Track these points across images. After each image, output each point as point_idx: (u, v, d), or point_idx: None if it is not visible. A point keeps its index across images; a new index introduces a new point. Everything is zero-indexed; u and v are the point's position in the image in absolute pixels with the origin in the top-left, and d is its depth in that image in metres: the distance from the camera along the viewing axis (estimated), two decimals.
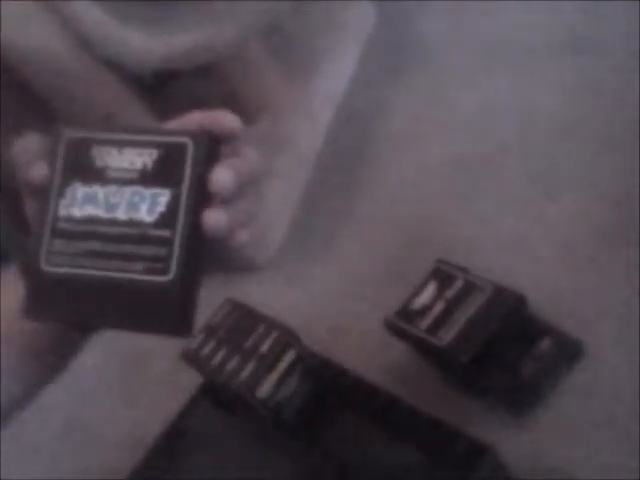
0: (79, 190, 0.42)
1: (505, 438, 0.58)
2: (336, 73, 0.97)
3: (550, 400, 0.60)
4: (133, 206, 0.41)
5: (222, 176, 0.41)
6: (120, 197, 0.42)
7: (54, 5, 0.84)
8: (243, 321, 0.67)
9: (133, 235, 0.41)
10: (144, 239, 0.41)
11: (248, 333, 0.65)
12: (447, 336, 0.58)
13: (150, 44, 0.83)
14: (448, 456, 0.56)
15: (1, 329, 0.45)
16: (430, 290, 0.62)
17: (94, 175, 0.42)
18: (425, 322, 0.60)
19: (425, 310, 0.61)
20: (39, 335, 0.45)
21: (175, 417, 0.74)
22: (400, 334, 0.62)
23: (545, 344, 0.60)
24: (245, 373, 0.64)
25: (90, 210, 0.42)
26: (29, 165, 0.43)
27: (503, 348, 0.59)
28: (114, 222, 0.42)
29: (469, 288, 0.60)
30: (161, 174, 0.41)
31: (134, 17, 0.85)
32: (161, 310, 0.41)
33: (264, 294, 0.78)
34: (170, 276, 0.40)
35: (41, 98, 0.84)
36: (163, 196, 0.41)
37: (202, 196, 0.41)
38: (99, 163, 0.42)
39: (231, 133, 0.42)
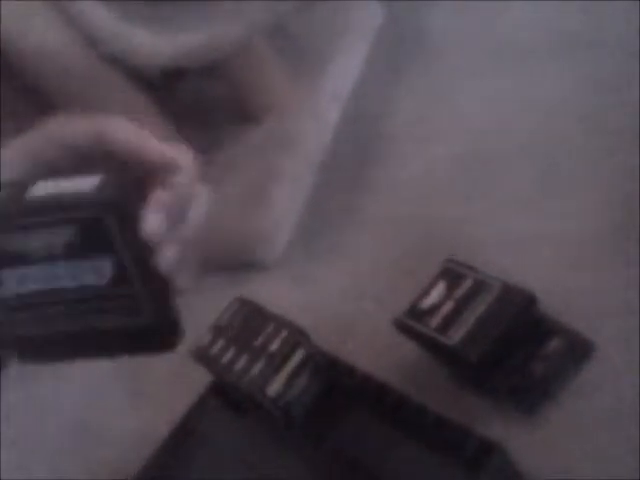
0: (9, 275, 0.40)
1: (514, 437, 0.58)
2: (343, 73, 0.97)
3: (560, 399, 0.60)
4: (77, 276, 0.39)
5: (151, 222, 0.40)
6: (58, 271, 0.39)
7: (60, 4, 0.84)
8: (252, 320, 0.67)
9: (90, 296, 0.40)
10: (103, 298, 0.40)
11: (257, 332, 0.65)
12: (457, 335, 0.58)
13: (157, 43, 0.83)
14: (458, 455, 0.56)
15: None
16: (439, 289, 0.62)
17: (17, 260, 0.40)
18: (435, 321, 0.60)
19: (434, 309, 0.61)
20: None
21: (184, 416, 0.74)
22: (410, 333, 0.62)
23: (555, 343, 0.60)
24: (254, 372, 0.64)
25: (32, 286, 0.40)
26: None
27: (512, 347, 0.59)
28: (63, 290, 0.40)
29: (478, 287, 0.60)
30: (91, 244, 0.39)
31: (140, 16, 0.86)
32: (145, 338, 0.40)
33: (272, 293, 0.78)
34: (144, 317, 0.40)
35: (46, 100, 0.84)
36: (104, 262, 0.39)
37: (143, 247, 0.40)
38: (16, 248, 0.39)
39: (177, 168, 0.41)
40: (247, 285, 0.81)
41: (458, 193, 0.83)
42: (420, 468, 0.58)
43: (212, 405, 0.72)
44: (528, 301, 0.59)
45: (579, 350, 0.60)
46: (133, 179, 0.41)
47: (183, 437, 0.73)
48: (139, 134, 0.43)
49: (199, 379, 0.72)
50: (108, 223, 0.39)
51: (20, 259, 0.40)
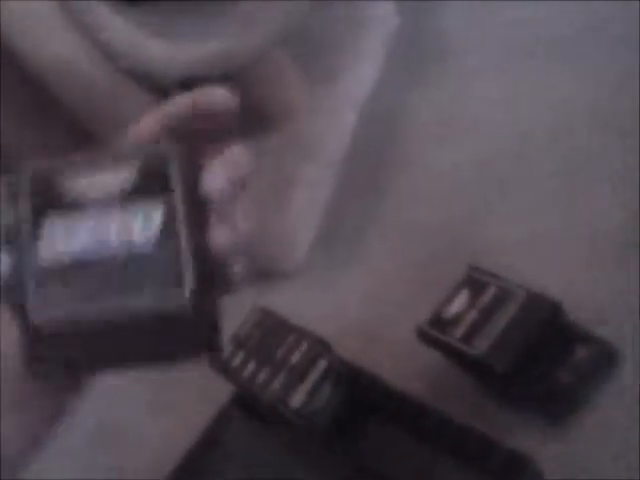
0: (58, 226, 0.37)
1: (542, 448, 0.57)
2: (360, 76, 0.96)
3: (588, 408, 0.59)
4: (124, 229, 0.37)
5: (213, 178, 0.38)
6: (107, 223, 0.37)
7: (76, 16, 0.84)
8: (272, 331, 0.67)
9: (133, 260, 0.37)
10: (146, 261, 0.37)
11: (278, 344, 0.65)
12: (482, 345, 0.57)
13: (173, 53, 0.83)
14: (486, 467, 0.56)
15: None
16: (463, 298, 0.61)
17: (71, 206, 0.37)
18: (459, 331, 0.59)
19: (458, 318, 0.60)
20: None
21: (207, 427, 0.73)
22: (433, 343, 0.62)
23: (581, 351, 0.59)
24: (276, 384, 0.63)
25: (76, 244, 0.37)
26: None
27: (538, 356, 0.58)
28: (107, 250, 0.37)
29: (502, 295, 0.59)
30: (147, 190, 0.37)
31: (156, 26, 0.85)
32: (182, 333, 0.36)
33: (292, 301, 0.78)
34: (185, 294, 0.36)
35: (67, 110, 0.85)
36: (156, 210, 0.37)
37: (198, 204, 0.38)
38: (74, 193, 0.38)
39: (225, 109, 0.39)
40: (267, 293, 0.80)
41: (479, 196, 0.82)
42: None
43: (235, 416, 0.72)
44: (554, 309, 0.58)
45: (607, 358, 0.59)
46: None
47: (206, 448, 0.73)
48: None
49: (220, 390, 0.72)
50: (168, 159, 0.37)
51: (73, 207, 0.37)
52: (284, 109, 0.94)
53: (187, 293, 0.36)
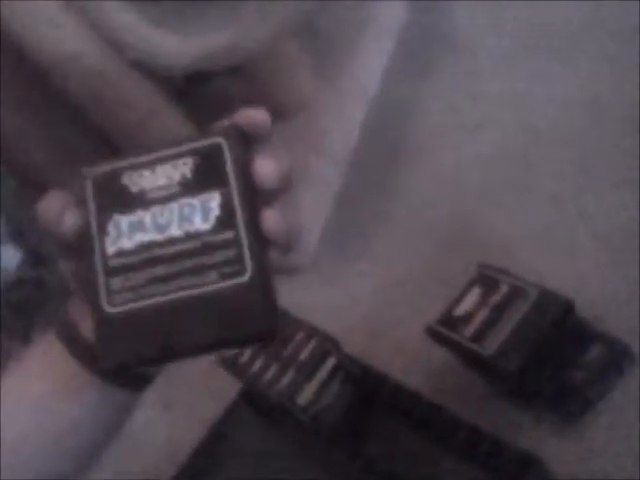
0: (122, 222, 0.40)
1: (553, 448, 0.57)
2: (368, 70, 0.95)
3: (600, 408, 0.58)
4: (185, 219, 0.39)
5: (265, 165, 0.40)
6: (169, 215, 0.40)
7: (84, 8, 0.83)
8: (281, 328, 0.66)
9: (195, 247, 0.39)
10: (208, 247, 0.39)
11: (286, 341, 0.64)
12: (493, 345, 0.56)
13: (181, 45, 0.82)
14: (494, 467, 0.55)
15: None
16: (474, 296, 0.60)
17: (133, 202, 0.40)
18: (469, 329, 0.58)
19: (469, 317, 0.59)
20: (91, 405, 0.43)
21: (215, 423, 0.73)
22: (443, 342, 0.61)
23: (594, 350, 0.58)
24: (284, 382, 0.63)
25: (140, 237, 0.40)
26: (58, 220, 0.40)
27: (550, 355, 0.57)
28: (170, 241, 0.39)
29: (514, 293, 0.59)
30: (203, 179, 0.40)
31: (164, 19, 0.85)
32: (247, 313, 0.38)
33: (302, 298, 0.77)
34: (248, 274, 0.38)
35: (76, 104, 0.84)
36: (213, 200, 0.40)
37: (251, 191, 0.40)
38: (134, 189, 0.40)
39: (263, 128, 0.41)
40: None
41: (489, 194, 0.81)
42: (454, 476, 0.56)
43: (243, 413, 0.71)
44: (566, 308, 0.57)
45: (620, 358, 0.58)
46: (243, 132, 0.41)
47: (214, 444, 0.72)
48: None
49: (229, 387, 0.72)
50: (223, 149, 0.39)
51: (135, 203, 0.40)
52: (293, 102, 0.93)
53: (248, 275, 0.38)
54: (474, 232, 0.77)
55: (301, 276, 0.82)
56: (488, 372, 0.60)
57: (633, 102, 0.79)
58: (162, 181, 0.40)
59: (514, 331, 0.56)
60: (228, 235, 0.39)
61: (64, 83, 0.84)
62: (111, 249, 0.40)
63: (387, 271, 0.79)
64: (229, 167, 0.40)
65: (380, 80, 0.95)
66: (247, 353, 0.67)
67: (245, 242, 0.38)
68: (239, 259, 0.38)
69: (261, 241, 0.39)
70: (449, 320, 0.60)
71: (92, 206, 0.41)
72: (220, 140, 0.40)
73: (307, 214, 0.85)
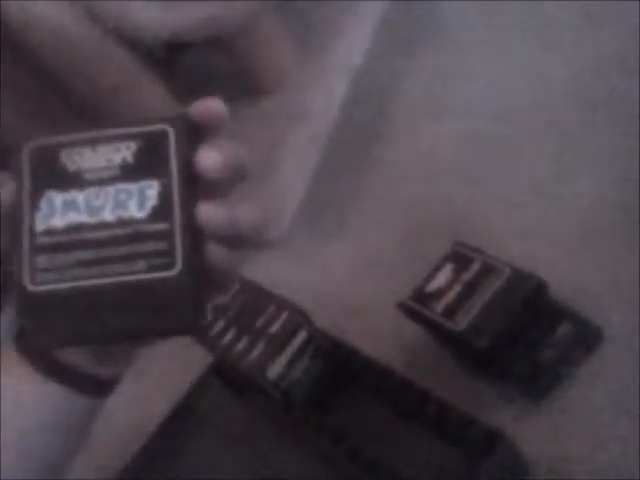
0: (55, 199, 0.39)
1: (521, 425, 0.57)
2: (351, 46, 0.95)
3: (567, 386, 0.58)
4: (120, 204, 0.39)
5: (208, 156, 0.39)
6: (104, 198, 0.39)
7: None
8: (253, 300, 0.66)
9: (126, 235, 0.38)
10: (140, 236, 0.38)
11: (258, 313, 0.64)
12: (463, 321, 0.57)
13: (160, 16, 0.81)
14: (461, 443, 0.55)
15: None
16: (446, 272, 0.60)
17: (69, 180, 0.39)
18: (441, 305, 0.59)
19: (441, 293, 0.59)
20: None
21: (184, 395, 0.73)
22: (415, 317, 0.61)
23: (563, 329, 0.58)
24: (255, 354, 0.63)
25: (72, 218, 0.39)
26: None
27: (520, 333, 0.58)
28: (102, 226, 0.39)
29: (487, 271, 0.59)
30: (144, 166, 0.39)
31: None
32: (173, 308, 0.38)
33: (275, 272, 0.77)
34: (177, 269, 0.37)
35: (56, 78, 0.83)
36: (151, 188, 0.39)
37: (193, 183, 0.39)
38: (72, 167, 0.39)
39: (218, 120, 0.40)
40: (249, 263, 0.79)
41: (467, 174, 0.81)
42: (422, 455, 0.57)
43: (212, 385, 0.71)
44: (538, 287, 0.58)
45: (588, 337, 0.59)
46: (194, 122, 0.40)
47: (183, 417, 0.72)
48: None
49: (200, 360, 0.71)
50: (168, 137, 0.39)
51: (71, 181, 0.39)
52: (273, 77, 0.93)
53: (177, 270, 0.38)
54: (450, 211, 0.77)
55: (274, 251, 0.82)
56: (459, 348, 0.60)
57: (615, 87, 0.79)
58: (101, 163, 0.39)
59: (485, 308, 0.57)
60: (162, 226, 0.38)
61: (39, 50, 0.83)
62: (40, 226, 0.39)
63: (361, 247, 0.79)
64: (172, 156, 0.39)
65: (362, 57, 0.94)
66: (218, 325, 0.67)
67: (178, 236, 0.38)
68: (170, 252, 0.38)
69: (198, 236, 0.38)
70: (421, 296, 0.61)
71: (26, 179, 0.39)
72: (167, 128, 0.39)
73: (284, 187, 0.85)
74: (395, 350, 0.66)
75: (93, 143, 0.39)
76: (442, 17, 0.97)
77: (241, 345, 0.64)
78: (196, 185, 0.39)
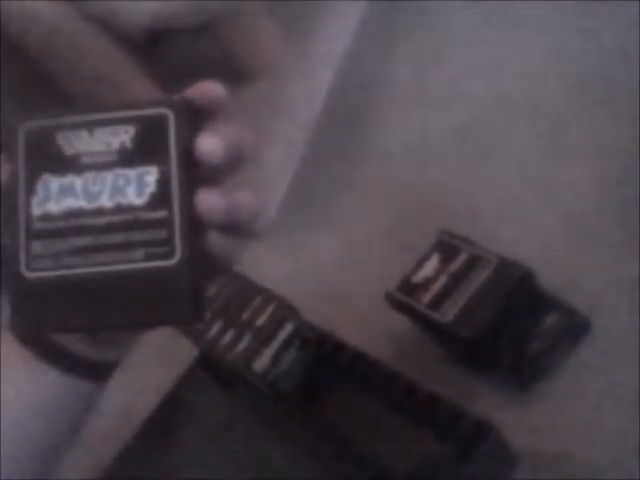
0: (52, 183, 0.38)
1: (509, 415, 0.57)
2: (336, 34, 0.94)
3: (554, 376, 0.58)
4: (118, 190, 0.37)
5: (208, 142, 0.37)
6: (101, 183, 0.38)
7: None
8: (239, 293, 0.65)
9: (125, 222, 0.37)
10: (138, 224, 0.37)
11: (244, 305, 0.64)
12: (450, 312, 0.56)
13: (141, 3, 0.80)
14: (450, 434, 0.55)
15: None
16: (433, 263, 0.60)
17: (66, 164, 0.38)
18: (427, 296, 0.58)
19: (427, 283, 0.59)
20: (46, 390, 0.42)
21: (171, 389, 0.72)
22: (402, 308, 0.61)
23: (551, 319, 0.58)
24: (241, 347, 0.62)
25: (69, 203, 0.37)
26: None
27: (508, 323, 0.57)
28: (100, 211, 0.37)
29: (474, 261, 0.58)
30: (143, 151, 0.38)
31: None
32: (171, 297, 0.37)
33: (261, 263, 0.76)
34: (176, 258, 0.36)
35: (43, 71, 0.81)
36: (150, 174, 0.37)
37: (193, 169, 0.38)
38: (69, 150, 0.38)
39: (217, 103, 0.39)
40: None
41: (456, 162, 0.80)
42: (410, 447, 0.56)
43: (200, 378, 0.71)
44: (525, 277, 0.57)
45: (576, 327, 0.58)
46: (195, 106, 0.39)
47: (170, 410, 0.72)
48: None
49: (186, 353, 0.71)
50: (168, 122, 0.37)
51: (68, 165, 0.38)
52: (259, 65, 0.92)
53: (176, 259, 0.37)
54: (438, 200, 0.77)
55: (260, 240, 0.81)
56: (446, 339, 0.59)
57: (604, 75, 0.78)
58: (99, 147, 0.38)
59: (472, 299, 0.56)
60: (161, 214, 0.37)
61: (21, 37, 0.82)
62: (37, 211, 0.38)
63: (348, 237, 0.79)
64: (172, 142, 0.38)
65: (348, 45, 0.93)
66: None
67: (177, 224, 0.37)
68: (169, 241, 0.37)
69: (197, 224, 0.37)
70: (408, 287, 0.60)
71: (22, 162, 0.38)
72: (167, 111, 0.38)
73: (270, 176, 0.84)
74: (383, 341, 0.65)
75: (90, 126, 0.38)
76: (428, 6, 0.96)
77: (227, 338, 0.63)
78: (196, 171, 0.38)
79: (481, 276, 0.57)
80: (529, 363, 0.57)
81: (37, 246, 0.38)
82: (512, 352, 0.57)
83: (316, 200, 0.84)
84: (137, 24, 0.80)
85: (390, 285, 0.63)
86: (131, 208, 0.37)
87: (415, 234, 0.70)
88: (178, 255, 0.37)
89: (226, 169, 0.39)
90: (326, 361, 0.63)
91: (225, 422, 0.66)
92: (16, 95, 0.83)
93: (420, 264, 0.61)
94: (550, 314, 0.58)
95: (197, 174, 0.38)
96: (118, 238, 0.37)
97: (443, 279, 0.58)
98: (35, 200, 0.38)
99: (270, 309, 0.62)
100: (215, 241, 0.39)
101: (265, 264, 0.77)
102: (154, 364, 0.78)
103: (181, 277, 0.37)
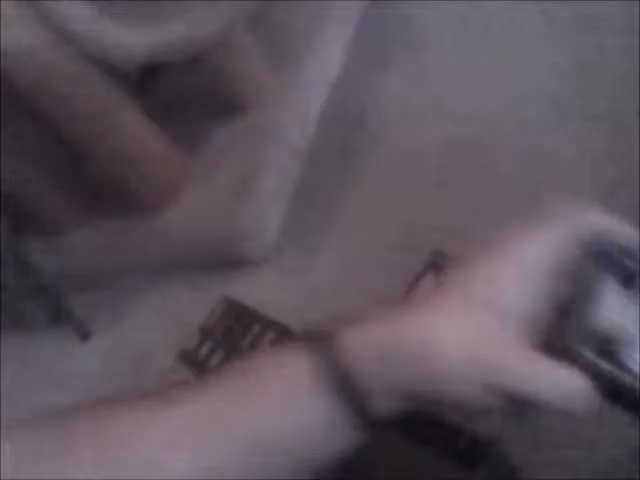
0: (616, 294, 0.35)
1: (506, 429, 0.57)
2: (325, 61, 0.95)
3: None
4: None
5: None
6: None
7: (34, 1, 0.82)
8: (238, 321, 0.66)
9: None
10: None
11: (244, 333, 0.64)
12: None
13: (132, 37, 0.81)
14: (450, 451, 0.55)
15: None
16: (427, 283, 0.61)
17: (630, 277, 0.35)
18: None
19: None
20: None
21: None
22: None
23: None
24: None
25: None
26: None
27: None
28: None
29: None
30: None
31: (115, 10, 0.84)
32: None
33: (260, 291, 0.77)
34: None
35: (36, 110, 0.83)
36: None
37: None
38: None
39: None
40: (234, 283, 0.80)
41: (446, 181, 0.82)
42: (412, 465, 0.57)
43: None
44: None
45: None
46: None
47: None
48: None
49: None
50: None
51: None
52: (250, 94, 0.93)
53: None
54: (430, 219, 0.78)
55: (259, 268, 0.82)
56: None
57: (584, 91, 0.80)
58: None
59: None
60: None
61: (15, 76, 0.83)
62: (602, 323, 0.35)
63: (345, 261, 0.80)
64: None
65: (337, 71, 0.95)
66: (206, 347, 0.67)
67: None
68: None
69: None
70: None
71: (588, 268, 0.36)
72: None
73: (266, 204, 0.85)
74: None
75: None
76: (415, 25, 0.98)
77: None
78: None
79: None
80: None
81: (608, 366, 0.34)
82: None
83: (310, 226, 0.85)
84: (128, 60, 0.81)
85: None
86: None
87: (409, 255, 0.71)
88: None
89: None
90: None
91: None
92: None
93: (415, 284, 0.61)
94: None
95: None
96: None
97: None
98: (598, 311, 0.35)
99: (269, 336, 0.63)
100: None
101: (263, 292, 0.78)
102: None
103: None
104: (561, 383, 0.36)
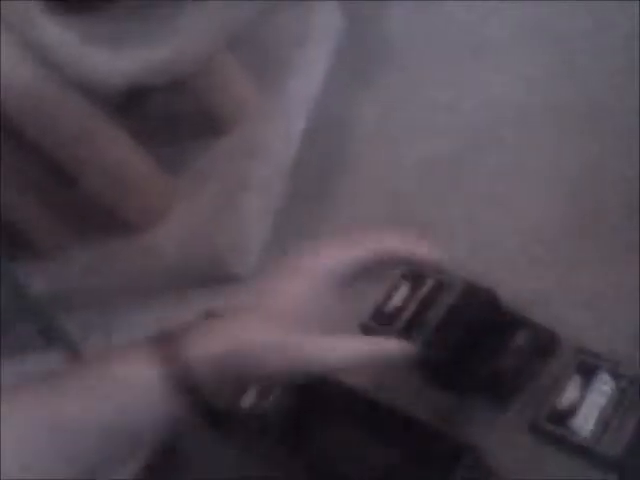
0: None
1: (484, 434, 0.58)
2: (307, 80, 0.97)
3: (528, 393, 0.60)
4: None
5: None
6: None
7: (16, 26, 0.84)
8: None
9: None
10: None
11: None
12: (420, 337, 0.58)
13: (114, 62, 0.83)
14: (430, 456, 0.56)
15: None
16: (403, 292, 0.62)
17: None
18: (399, 324, 0.60)
19: (399, 311, 0.61)
20: None
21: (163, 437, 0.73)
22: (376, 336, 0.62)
23: (520, 337, 0.60)
24: None
25: None
26: None
27: (478, 344, 0.59)
28: None
29: (440, 286, 0.60)
30: None
31: (100, 36, 0.86)
32: None
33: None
34: None
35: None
36: None
37: None
38: None
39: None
40: (219, 297, 0.81)
41: (426, 194, 0.83)
42: (393, 471, 0.58)
43: (188, 422, 0.72)
44: (490, 297, 0.59)
45: (545, 343, 0.60)
46: None
47: (163, 456, 0.73)
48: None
49: None
50: None
51: None
52: (233, 114, 0.95)
53: None
54: (412, 233, 0.79)
55: (243, 283, 0.84)
56: (420, 363, 0.61)
57: (565, 102, 0.82)
58: None
59: (441, 322, 0.58)
60: None
61: (4, 107, 0.85)
62: None
63: None
64: None
65: (318, 88, 0.97)
66: None
67: None
68: None
69: None
70: (381, 315, 0.62)
71: None
72: None
73: (250, 221, 0.87)
74: (361, 370, 0.67)
75: None
76: (393, 44, 1.00)
77: None
78: None
79: (448, 300, 0.59)
80: (502, 381, 0.59)
81: None
82: (484, 372, 0.59)
83: (295, 241, 0.87)
84: (111, 84, 0.83)
85: (363, 317, 0.65)
86: None
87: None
88: None
89: None
90: (308, 393, 0.65)
91: (215, 462, 0.67)
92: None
93: (390, 294, 0.63)
94: (518, 332, 0.60)
95: None
96: None
97: (413, 306, 0.60)
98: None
99: None
100: None
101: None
102: None
103: None
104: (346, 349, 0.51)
